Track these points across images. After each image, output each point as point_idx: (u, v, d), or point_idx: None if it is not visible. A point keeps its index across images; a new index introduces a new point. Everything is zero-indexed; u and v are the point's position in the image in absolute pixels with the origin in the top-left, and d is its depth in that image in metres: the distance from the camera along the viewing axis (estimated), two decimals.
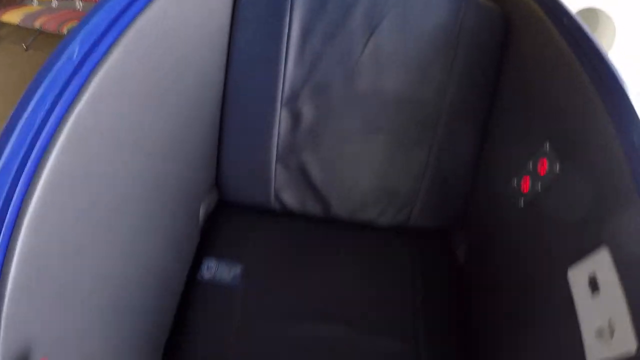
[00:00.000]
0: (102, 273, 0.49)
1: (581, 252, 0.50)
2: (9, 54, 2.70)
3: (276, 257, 0.82)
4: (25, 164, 0.35)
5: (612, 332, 0.45)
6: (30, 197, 0.35)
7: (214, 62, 0.79)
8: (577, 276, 0.51)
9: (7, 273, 0.33)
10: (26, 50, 2.59)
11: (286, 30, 0.81)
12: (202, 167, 0.83)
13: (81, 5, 2.41)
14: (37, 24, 2.21)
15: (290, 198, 0.88)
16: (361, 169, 0.86)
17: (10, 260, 0.33)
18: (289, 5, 0.80)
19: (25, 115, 0.36)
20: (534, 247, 0.64)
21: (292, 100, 0.83)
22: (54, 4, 2.56)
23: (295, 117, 0.84)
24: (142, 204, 0.57)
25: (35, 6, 2.65)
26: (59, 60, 0.39)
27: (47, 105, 0.37)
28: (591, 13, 1.39)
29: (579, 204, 0.54)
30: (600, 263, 0.47)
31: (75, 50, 0.40)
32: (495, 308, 0.73)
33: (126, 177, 0.51)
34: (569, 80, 0.59)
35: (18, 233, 0.34)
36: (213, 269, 0.79)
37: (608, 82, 0.52)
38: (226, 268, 0.79)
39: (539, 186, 0.65)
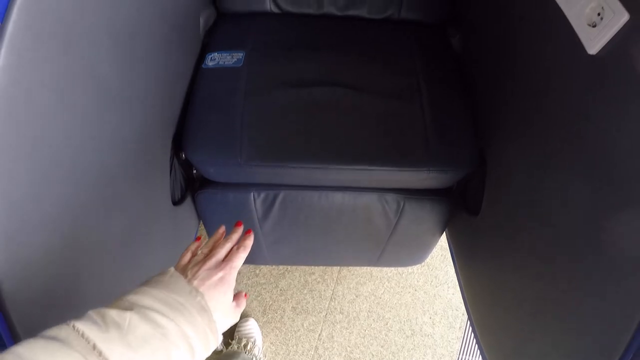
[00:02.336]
0: (122, 69, 0.57)
1: None
2: None
3: (276, 45, 0.91)
4: None
5: (600, 16, 0.52)
6: None
7: None
8: None
9: None
10: None
11: None
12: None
13: None
14: None
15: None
16: None
17: None
18: None
19: None
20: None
21: None
22: None
23: None
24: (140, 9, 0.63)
25: None
26: None
27: None
28: None
29: None
30: None
31: None
32: (492, 75, 0.82)
33: None
34: None
35: None
36: (217, 58, 0.88)
37: None
38: (229, 55, 0.88)
39: None
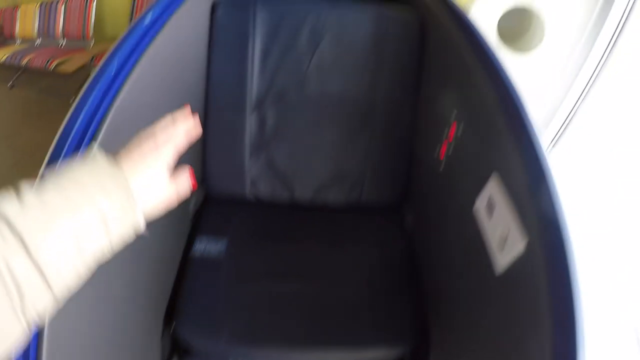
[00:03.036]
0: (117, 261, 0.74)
1: (480, 186, 0.72)
2: None
3: (253, 235, 1.09)
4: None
5: (505, 240, 0.60)
6: None
7: (197, 79, 1.08)
8: (479, 205, 0.72)
9: None
10: (10, 89, 2.88)
11: (250, 52, 1.11)
12: (190, 164, 1.10)
13: (64, 42, 2.73)
14: (24, 61, 2.52)
15: (262, 187, 1.16)
16: (316, 157, 1.15)
17: None
18: (252, 32, 1.11)
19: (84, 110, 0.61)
20: (453, 199, 0.89)
21: (258, 107, 1.12)
22: (37, 42, 2.88)
23: (262, 120, 1.13)
24: None
25: (18, 45, 2.97)
26: (104, 73, 0.67)
27: (96, 103, 0.63)
28: (524, 12, 1.70)
29: (475, 151, 0.80)
30: (493, 187, 0.68)
31: (114, 67, 0.68)
32: (438, 260, 0.98)
33: None
34: (464, 64, 0.85)
35: None
36: (203, 245, 1.07)
37: (491, 64, 0.76)
38: (214, 244, 1.07)
39: (450, 149, 0.92)
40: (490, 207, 0.69)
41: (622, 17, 1.78)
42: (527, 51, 1.68)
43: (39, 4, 2.97)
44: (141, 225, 0.42)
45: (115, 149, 0.45)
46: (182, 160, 1.05)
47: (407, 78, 1.13)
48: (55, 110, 2.38)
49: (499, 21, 1.66)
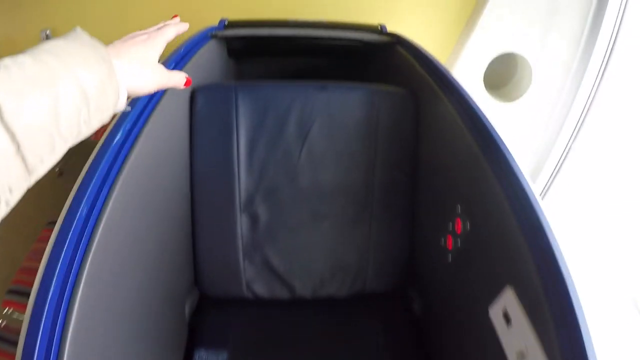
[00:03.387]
0: None
1: (494, 293, 0.69)
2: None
3: (255, 341, 1.03)
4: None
5: (527, 355, 0.60)
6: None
7: (181, 180, 1.02)
8: (495, 313, 0.70)
9: None
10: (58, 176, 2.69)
11: (235, 147, 1.05)
12: (182, 270, 1.04)
13: None
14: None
15: (260, 287, 1.10)
16: (314, 252, 1.09)
17: None
18: (235, 123, 1.05)
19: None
20: (465, 295, 0.84)
21: (249, 204, 1.07)
22: None
23: (253, 218, 1.07)
24: (138, 305, 0.75)
25: None
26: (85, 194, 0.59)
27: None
28: (510, 57, 1.68)
29: (487, 254, 0.75)
30: (508, 300, 0.66)
31: (95, 187, 0.60)
32: (448, 348, 0.93)
33: (131, 282, 0.71)
34: (463, 148, 0.82)
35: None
36: (204, 358, 1.00)
37: (494, 149, 0.72)
38: (214, 356, 1.00)
39: (458, 242, 0.87)
40: (507, 317, 0.66)
41: (606, 51, 1.77)
42: (516, 98, 1.66)
43: None
44: (122, 103, 0.44)
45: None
46: (173, 261, 1.00)
47: (403, 157, 1.08)
48: None
49: (486, 71, 1.63)
